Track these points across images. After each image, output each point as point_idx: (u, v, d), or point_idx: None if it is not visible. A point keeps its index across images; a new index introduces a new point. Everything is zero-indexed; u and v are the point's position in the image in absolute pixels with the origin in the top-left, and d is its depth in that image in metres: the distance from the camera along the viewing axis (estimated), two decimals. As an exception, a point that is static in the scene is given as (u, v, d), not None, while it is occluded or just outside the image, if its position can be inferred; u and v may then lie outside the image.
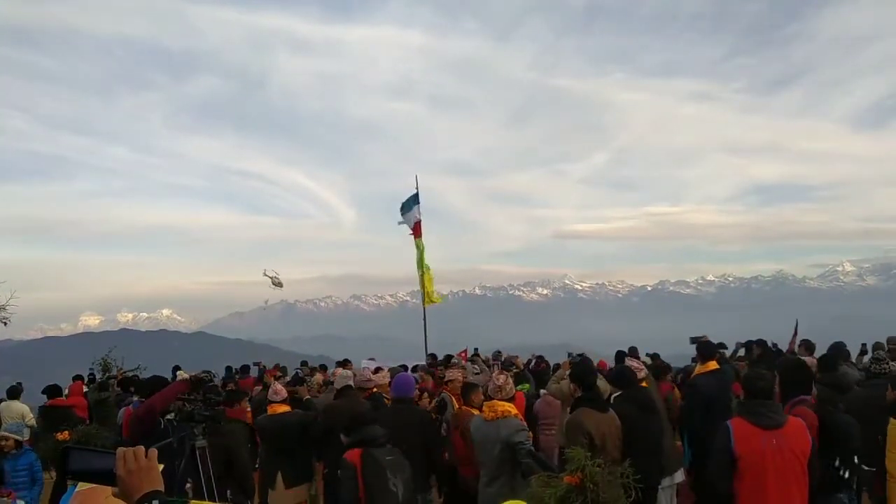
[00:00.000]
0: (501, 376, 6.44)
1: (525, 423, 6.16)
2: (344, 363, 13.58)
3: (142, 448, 1.96)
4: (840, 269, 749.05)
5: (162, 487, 1.95)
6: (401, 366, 13.88)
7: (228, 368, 16.62)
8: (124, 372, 14.59)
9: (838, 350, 9.56)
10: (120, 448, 1.94)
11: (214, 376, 7.48)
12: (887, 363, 7.31)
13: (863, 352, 11.69)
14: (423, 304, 16.46)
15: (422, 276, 16.43)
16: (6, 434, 7.42)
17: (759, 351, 10.10)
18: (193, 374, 6.54)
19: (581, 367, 6.48)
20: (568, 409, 7.01)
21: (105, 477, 1.94)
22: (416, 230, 16.45)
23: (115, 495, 1.94)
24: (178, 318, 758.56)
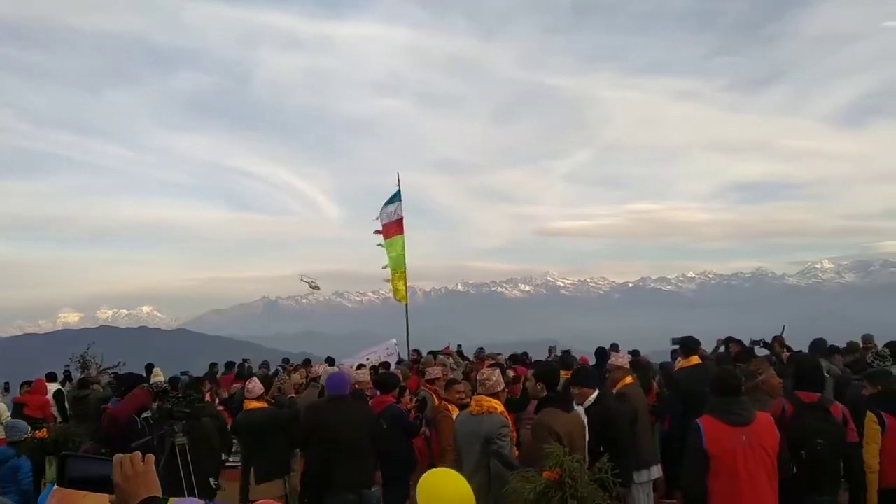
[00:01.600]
0: (487, 370, 6.48)
1: (509, 420, 6.20)
2: (329, 362, 13.57)
3: (138, 454, 1.93)
4: (819, 266, 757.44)
5: (159, 493, 1.92)
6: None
7: (212, 365, 16.55)
8: (103, 369, 14.48)
9: (817, 347, 9.69)
10: (117, 455, 1.92)
11: (187, 378, 7.49)
12: (889, 360, 7.37)
13: (851, 349, 11.76)
14: (404, 301, 16.57)
15: (396, 273, 16.53)
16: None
17: (736, 349, 10.20)
18: (154, 383, 6.56)
19: (545, 367, 6.49)
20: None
21: (103, 484, 1.92)
22: (396, 228, 16.51)
23: (112, 503, 1.91)
24: (159, 314, 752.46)
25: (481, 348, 15.96)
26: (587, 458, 5.31)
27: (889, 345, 9.47)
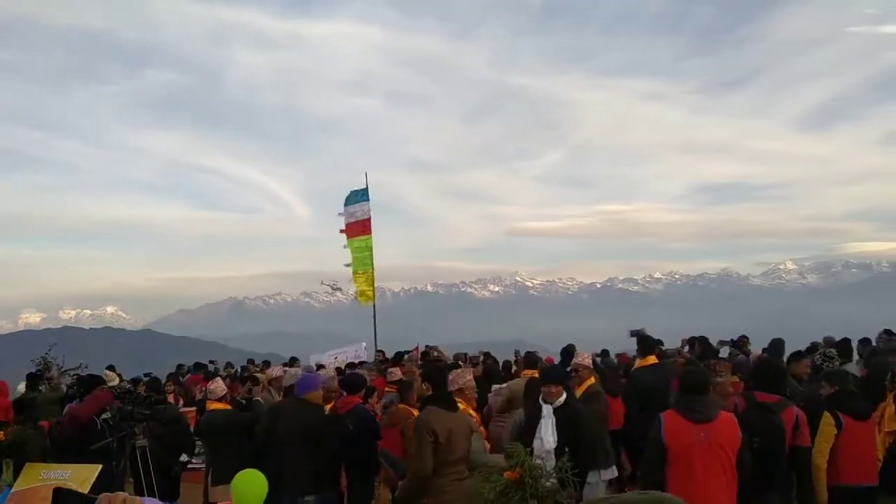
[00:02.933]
0: (459, 371, 6.55)
1: (474, 420, 6.29)
2: (292, 362, 13.49)
3: (120, 495, 1.88)
4: (783, 267, 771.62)
5: None
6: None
7: (179, 366, 16.35)
8: (64, 371, 14.21)
9: (776, 347, 9.90)
10: (103, 495, 1.87)
11: (148, 379, 7.43)
12: (838, 361, 7.55)
13: (812, 349, 11.99)
14: (368, 303, 16.48)
15: (362, 274, 16.42)
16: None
17: (700, 348, 10.39)
18: (114, 383, 6.49)
19: (431, 367, 6.61)
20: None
21: None
22: (362, 228, 16.38)
23: None
24: (124, 315, 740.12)
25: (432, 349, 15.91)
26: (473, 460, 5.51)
27: (837, 344, 9.73)
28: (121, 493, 1.88)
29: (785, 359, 9.34)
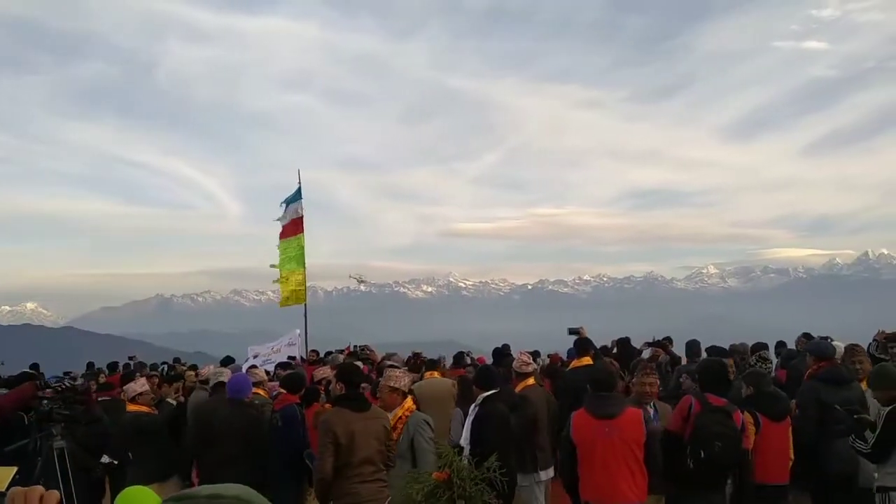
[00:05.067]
0: (392, 371, 6.66)
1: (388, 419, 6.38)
2: (226, 361, 13.18)
3: (37, 490, 1.78)
4: (705, 271, 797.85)
5: None
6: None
7: (90, 365, 15.75)
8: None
9: (691, 349, 10.27)
10: (15, 488, 1.83)
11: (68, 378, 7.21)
12: (771, 362, 7.87)
13: (732, 352, 12.39)
14: (291, 304, 16.26)
15: (293, 274, 16.17)
16: None
17: (619, 349, 10.73)
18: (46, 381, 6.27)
19: (346, 368, 6.66)
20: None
21: None
22: (295, 227, 16.15)
23: None
24: (44, 311, 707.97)
25: (364, 346, 15.75)
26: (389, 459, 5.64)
27: (754, 348, 10.13)
28: (38, 486, 1.82)
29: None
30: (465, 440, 6.11)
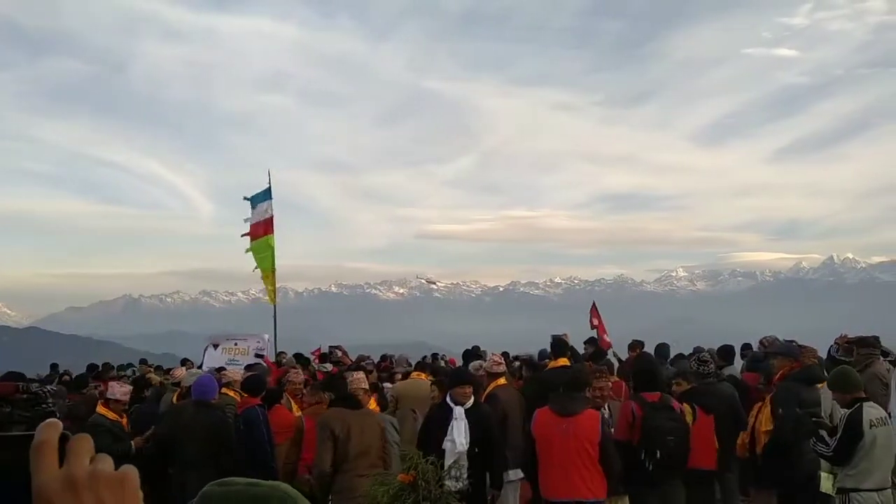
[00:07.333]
0: (354, 372, 6.83)
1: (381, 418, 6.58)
2: (184, 362, 13.05)
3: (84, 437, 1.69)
4: (674, 274, 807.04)
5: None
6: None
7: (54, 366, 15.44)
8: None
9: (660, 351, 10.45)
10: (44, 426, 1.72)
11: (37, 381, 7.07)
12: (712, 364, 8.04)
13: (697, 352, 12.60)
14: (273, 303, 16.12)
15: (265, 275, 15.97)
16: None
17: (591, 349, 10.83)
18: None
19: (328, 379, 7.03)
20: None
21: None
22: (265, 228, 15.89)
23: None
24: (9, 311, 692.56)
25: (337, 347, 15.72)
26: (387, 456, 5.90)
27: (720, 349, 10.31)
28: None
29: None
30: (460, 442, 6.09)
